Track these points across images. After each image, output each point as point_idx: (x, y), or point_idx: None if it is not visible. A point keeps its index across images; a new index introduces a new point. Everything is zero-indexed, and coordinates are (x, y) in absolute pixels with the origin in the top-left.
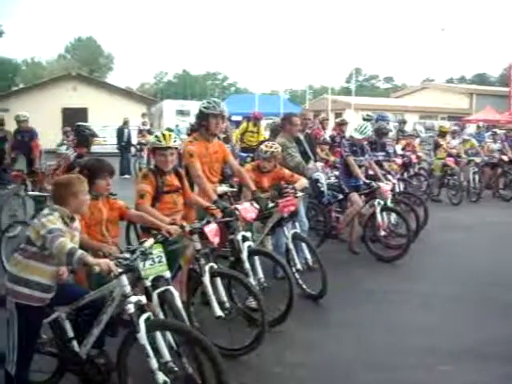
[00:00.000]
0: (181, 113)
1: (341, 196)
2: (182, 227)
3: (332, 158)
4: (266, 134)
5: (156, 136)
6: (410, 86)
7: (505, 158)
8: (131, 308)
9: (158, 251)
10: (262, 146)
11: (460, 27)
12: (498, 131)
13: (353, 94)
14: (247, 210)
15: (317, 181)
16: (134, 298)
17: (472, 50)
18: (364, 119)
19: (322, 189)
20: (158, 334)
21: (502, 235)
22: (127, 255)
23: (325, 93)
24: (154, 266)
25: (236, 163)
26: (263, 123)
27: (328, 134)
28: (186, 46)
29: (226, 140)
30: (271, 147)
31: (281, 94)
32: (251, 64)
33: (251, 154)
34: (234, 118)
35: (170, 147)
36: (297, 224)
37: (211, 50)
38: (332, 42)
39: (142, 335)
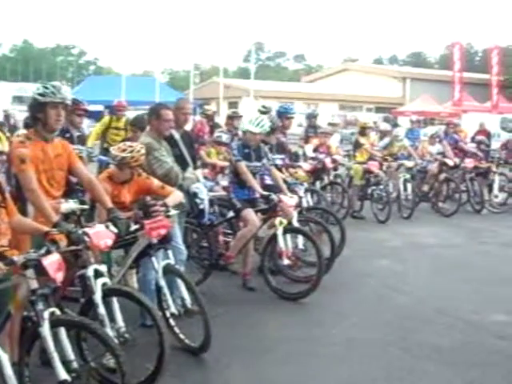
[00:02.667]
0: (19, 100)
1: (231, 214)
2: (10, 262)
3: (221, 163)
4: None
5: None
6: (327, 67)
7: (449, 162)
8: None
9: None
10: (112, 149)
11: None
12: (434, 129)
13: (252, 76)
14: (101, 234)
15: (195, 195)
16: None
17: (407, 25)
18: (260, 112)
19: (200, 206)
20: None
21: (438, 262)
22: None
23: (215, 75)
24: None
25: (86, 171)
26: (132, 115)
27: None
28: (29, 11)
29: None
30: (124, 150)
31: (156, 76)
32: (117, 37)
33: None
34: (92, 107)
35: None
36: (170, 252)
37: (63, 17)
38: (227, 10)
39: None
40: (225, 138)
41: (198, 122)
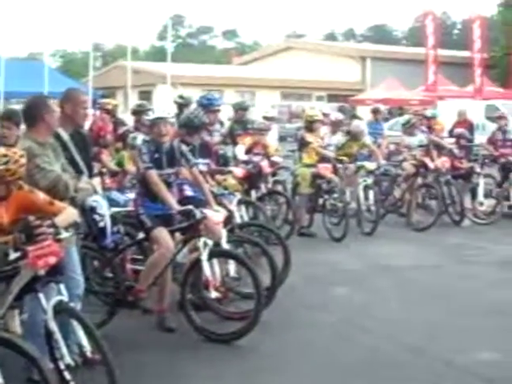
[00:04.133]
0: None
1: (141, 235)
2: None
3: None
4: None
5: None
6: (265, 45)
7: (430, 164)
8: None
9: None
10: None
11: None
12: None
13: (169, 58)
14: None
15: (93, 210)
16: None
17: None
18: (177, 104)
19: (100, 224)
20: None
21: (410, 289)
22: None
23: (122, 57)
24: None
25: None
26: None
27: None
28: None
29: None
30: None
31: (46, 59)
32: None
33: None
34: None
35: None
36: (63, 287)
37: None
38: None
39: None
40: (140, 139)
41: (99, 118)
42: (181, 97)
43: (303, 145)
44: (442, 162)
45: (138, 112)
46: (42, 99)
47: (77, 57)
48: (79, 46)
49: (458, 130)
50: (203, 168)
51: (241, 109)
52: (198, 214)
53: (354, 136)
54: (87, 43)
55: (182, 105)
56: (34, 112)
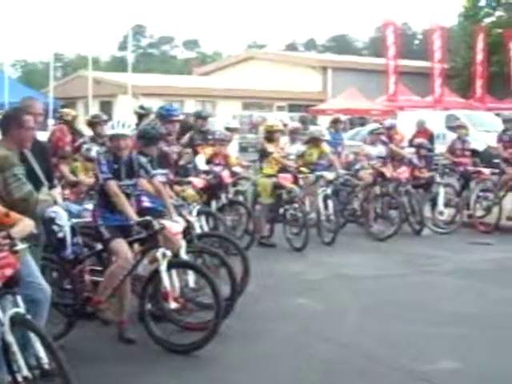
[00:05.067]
0: None
1: (100, 246)
2: None
3: (88, 181)
4: None
5: None
6: (226, 55)
7: (388, 173)
8: None
9: None
10: None
11: None
12: (375, 125)
13: (129, 68)
14: None
15: (52, 221)
16: None
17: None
18: (137, 114)
19: (59, 234)
20: None
21: (369, 298)
22: None
23: (83, 68)
24: None
25: None
26: None
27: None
28: None
29: None
30: None
31: (6, 69)
32: None
33: None
34: None
35: None
36: (19, 299)
37: None
38: None
39: None
40: (94, 151)
41: (57, 129)
42: (141, 107)
43: (264, 155)
44: (401, 172)
45: (93, 123)
46: (16, 113)
47: (37, 67)
48: (40, 57)
49: (418, 140)
50: (162, 179)
51: (200, 118)
52: (156, 224)
53: (314, 140)
54: (48, 53)
55: (143, 115)
56: (5, 123)
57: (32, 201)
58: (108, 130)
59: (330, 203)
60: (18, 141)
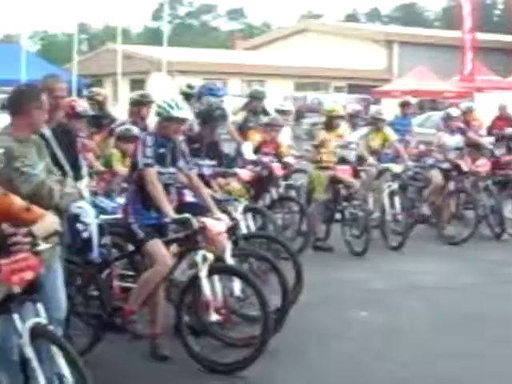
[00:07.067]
0: None
1: (131, 247)
2: None
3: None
4: None
5: None
6: (276, 27)
7: (464, 166)
8: None
9: None
10: None
11: None
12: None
13: (165, 41)
14: None
15: (76, 219)
16: None
17: None
18: (183, 95)
19: (84, 234)
20: None
21: (442, 312)
22: None
23: (111, 40)
24: None
25: None
26: None
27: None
28: None
29: None
30: None
31: (23, 42)
32: None
33: None
34: None
35: None
36: (40, 307)
37: None
38: None
39: None
40: (136, 131)
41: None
42: (189, 86)
43: (320, 144)
44: (481, 165)
45: (139, 103)
46: (35, 90)
47: (59, 39)
48: (62, 27)
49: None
50: (208, 171)
51: (257, 98)
52: (195, 222)
53: (374, 122)
54: (71, 24)
55: (190, 95)
56: (20, 102)
57: (45, 191)
58: (158, 108)
59: (397, 201)
60: (31, 123)
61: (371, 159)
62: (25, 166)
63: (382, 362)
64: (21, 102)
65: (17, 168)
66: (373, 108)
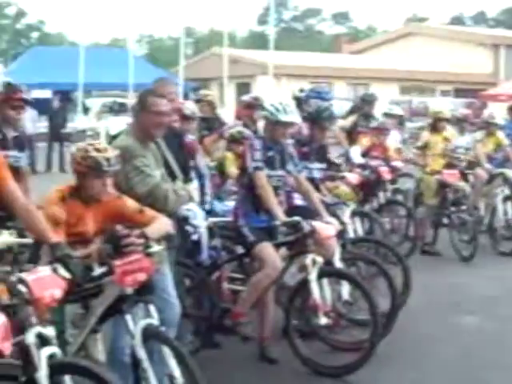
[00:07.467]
0: None
1: (241, 250)
2: None
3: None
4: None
5: None
6: (381, 30)
7: None
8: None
9: None
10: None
11: None
12: None
13: (271, 45)
14: (46, 282)
15: (186, 221)
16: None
17: None
18: (295, 99)
19: (193, 237)
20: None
21: None
22: None
23: (217, 44)
24: None
25: (19, 193)
26: (96, 103)
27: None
28: None
29: None
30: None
31: (130, 46)
32: None
33: None
34: (37, 93)
35: None
36: (152, 308)
37: None
38: None
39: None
40: (248, 133)
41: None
42: (301, 90)
43: (426, 146)
44: None
45: (253, 106)
46: (146, 94)
47: (165, 43)
48: (168, 31)
49: None
50: (318, 174)
51: (368, 101)
52: (305, 226)
53: (486, 126)
54: (177, 28)
55: (300, 100)
56: (135, 107)
57: (160, 194)
58: (267, 111)
59: (510, 206)
60: (144, 128)
61: (487, 164)
62: (144, 166)
63: (490, 370)
64: (137, 108)
65: (136, 166)
66: (485, 112)
